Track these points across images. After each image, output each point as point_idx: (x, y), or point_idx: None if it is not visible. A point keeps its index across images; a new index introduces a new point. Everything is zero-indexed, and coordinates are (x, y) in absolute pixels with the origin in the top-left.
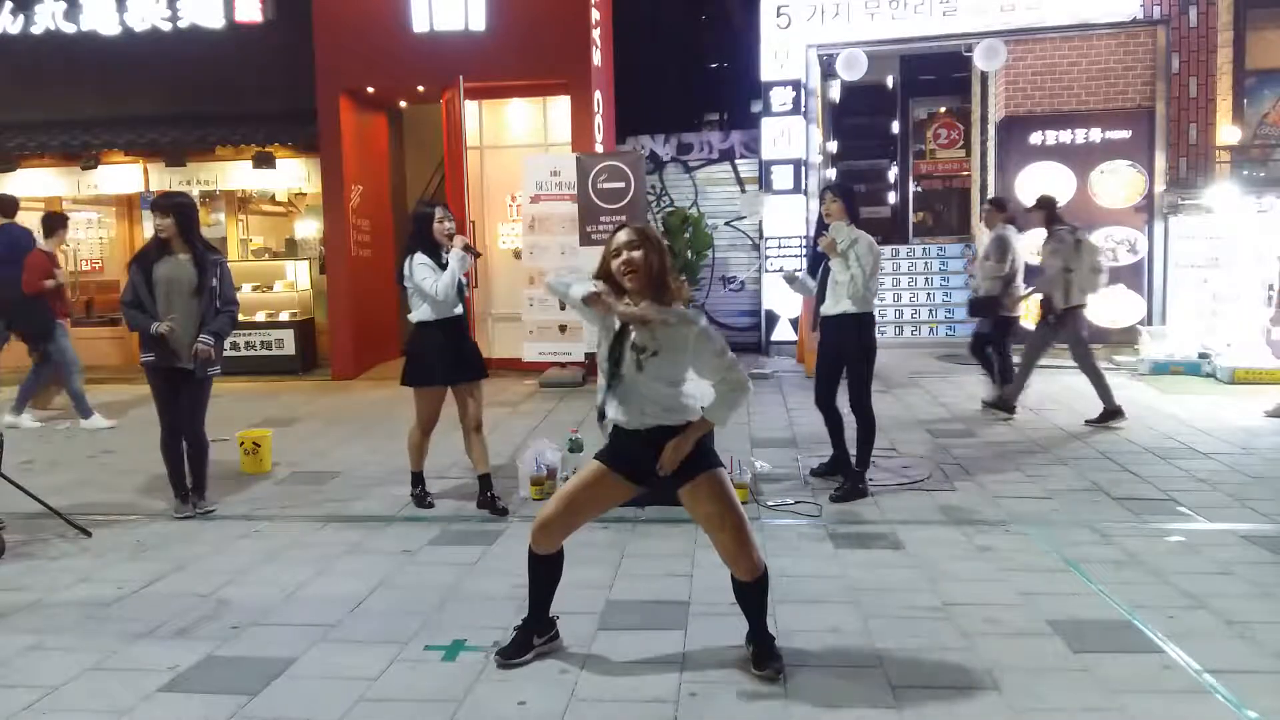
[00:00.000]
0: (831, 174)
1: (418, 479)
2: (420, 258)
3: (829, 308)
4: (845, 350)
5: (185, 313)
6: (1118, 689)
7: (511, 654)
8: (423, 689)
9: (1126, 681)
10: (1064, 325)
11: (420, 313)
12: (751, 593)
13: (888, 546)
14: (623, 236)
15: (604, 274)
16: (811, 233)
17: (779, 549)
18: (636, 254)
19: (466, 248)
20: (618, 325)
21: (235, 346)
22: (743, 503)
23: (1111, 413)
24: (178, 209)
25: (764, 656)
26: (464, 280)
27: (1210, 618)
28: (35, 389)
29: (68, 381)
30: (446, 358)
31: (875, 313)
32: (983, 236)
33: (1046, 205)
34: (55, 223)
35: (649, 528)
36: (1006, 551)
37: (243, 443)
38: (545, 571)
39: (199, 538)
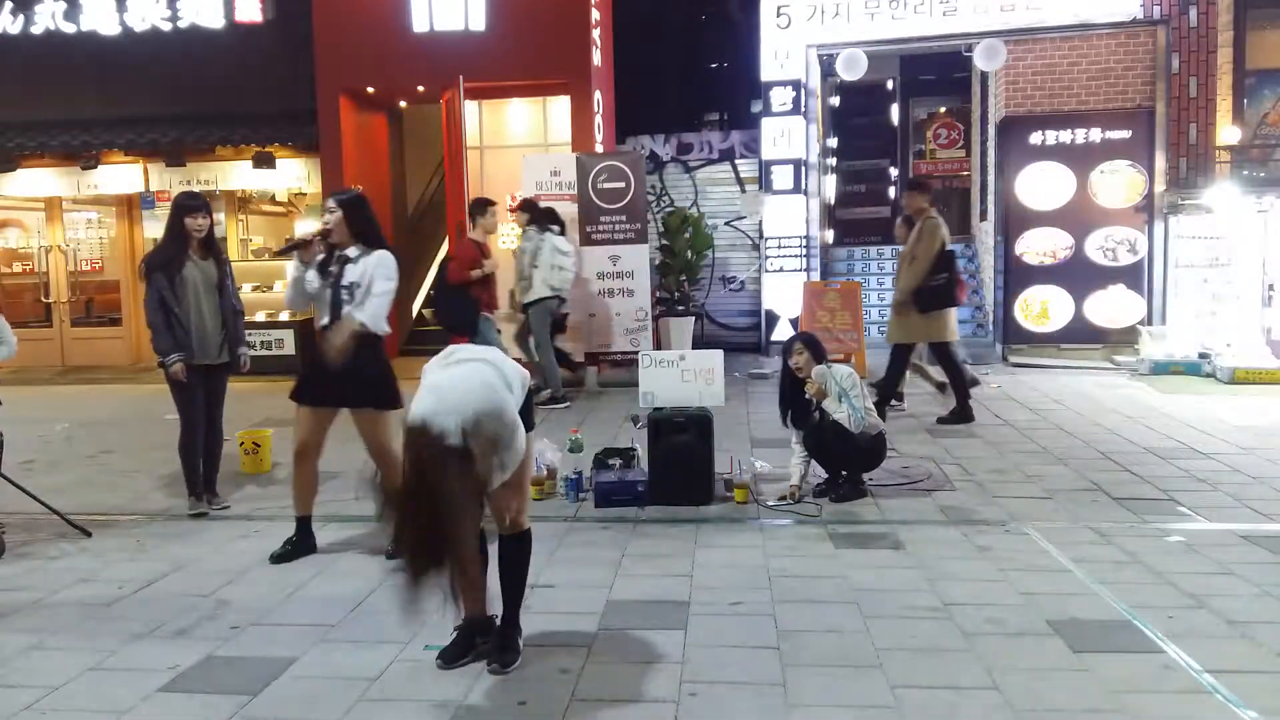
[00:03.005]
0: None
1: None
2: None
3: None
4: (854, 455)
5: (211, 311)
6: (1118, 689)
7: (454, 655)
8: (423, 689)
9: (1126, 681)
10: (529, 319)
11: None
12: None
13: (888, 546)
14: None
15: None
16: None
17: (779, 549)
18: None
19: (291, 244)
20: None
21: None
22: (743, 503)
23: (556, 400)
24: (210, 209)
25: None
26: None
27: (1210, 618)
28: None
29: None
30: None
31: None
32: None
33: (527, 208)
34: (478, 209)
35: (649, 528)
36: (1006, 551)
37: (243, 443)
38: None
39: (199, 538)
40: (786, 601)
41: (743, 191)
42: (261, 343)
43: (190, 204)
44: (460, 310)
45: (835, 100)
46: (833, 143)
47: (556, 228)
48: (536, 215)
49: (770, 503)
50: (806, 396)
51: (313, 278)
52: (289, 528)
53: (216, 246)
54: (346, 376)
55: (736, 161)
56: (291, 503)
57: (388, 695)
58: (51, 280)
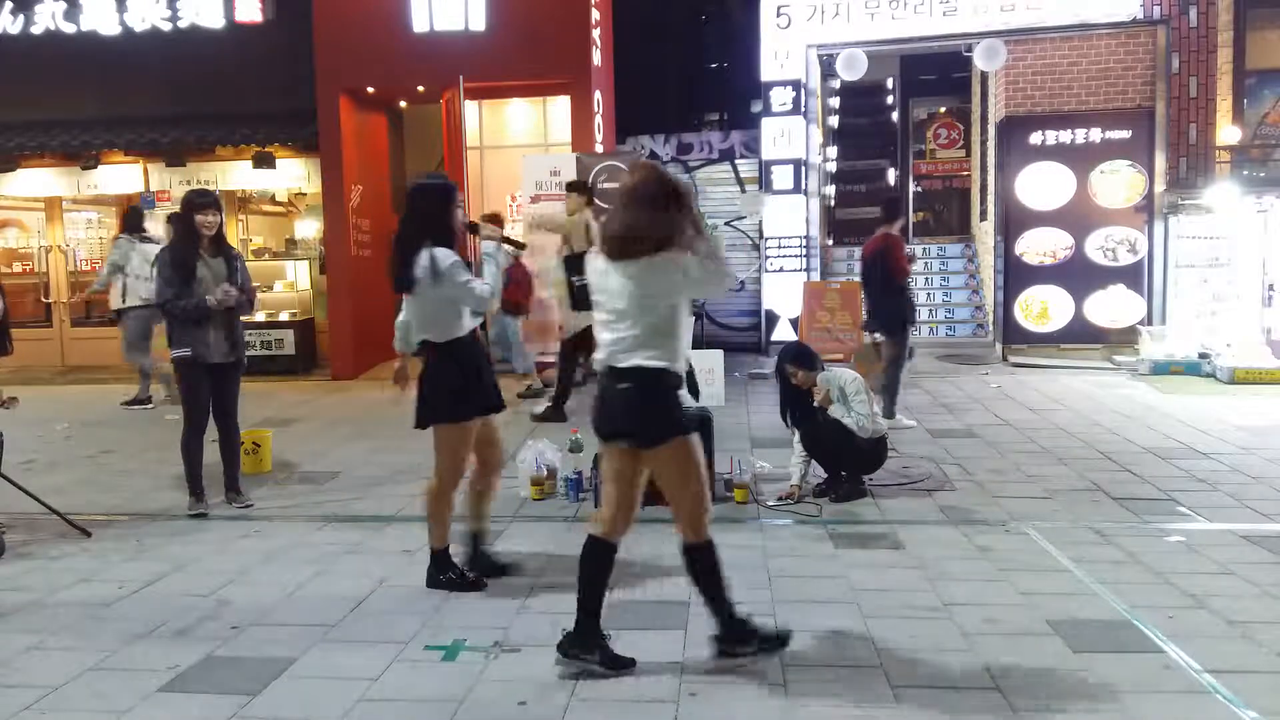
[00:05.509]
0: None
1: (446, 559)
2: (447, 253)
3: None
4: (855, 456)
5: (220, 309)
6: (1118, 689)
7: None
8: (423, 689)
9: (1126, 681)
10: (120, 322)
11: (458, 327)
12: (702, 558)
13: (888, 546)
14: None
15: None
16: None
17: (779, 549)
18: None
19: (507, 240)
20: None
21: None
22: (743, 503)
23: (141, 401)
24: (219, 206)
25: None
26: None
27: (1210, 618)
28: (897, 385)
29: (894, 379)
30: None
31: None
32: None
33: (130, 215)
34: (898, 209)
35: (649, 528)
36: (1006, 551)
37: (243, 443)
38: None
39: (199, 538)
40: (786, 601)
41: (743, 191)
42: (261, 342)
43: (200, 201)
44: (894, 310)
45: (835, 101)
46: (832, 151)
47: (155, 236)
48: (133, 224)
49: (770, 503)
50: (814, 404)
51: None
52: (289, 528)
53: (226, 244)
54: (489, 377)
55: (736, 161)
56: (435, 534)
57: (388, 695)
58: (51, 280)
